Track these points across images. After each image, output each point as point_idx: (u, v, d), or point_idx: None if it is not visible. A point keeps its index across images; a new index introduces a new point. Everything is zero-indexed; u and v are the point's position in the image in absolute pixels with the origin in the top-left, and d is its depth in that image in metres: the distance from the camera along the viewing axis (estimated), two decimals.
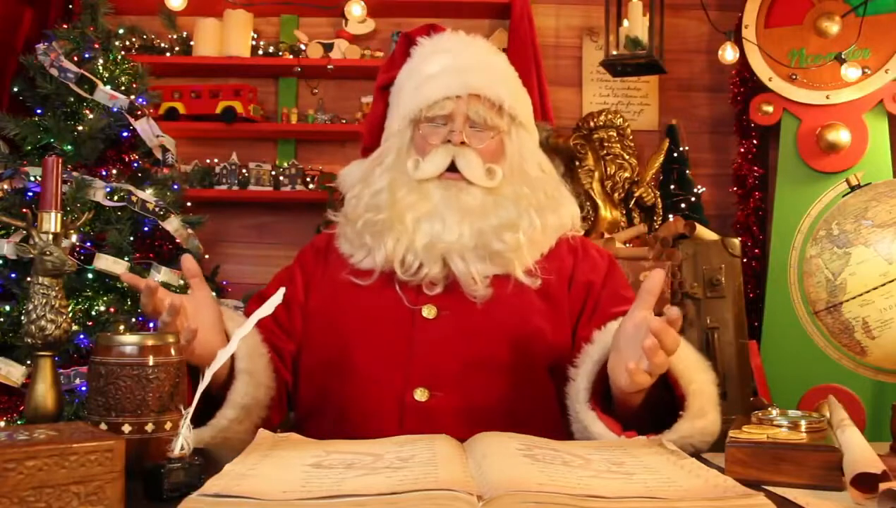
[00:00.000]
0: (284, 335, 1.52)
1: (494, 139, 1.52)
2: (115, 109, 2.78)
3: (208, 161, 3.63)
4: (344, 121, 3.65)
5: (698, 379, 1.27)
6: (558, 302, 1.50)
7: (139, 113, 2.82)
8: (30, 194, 2.61)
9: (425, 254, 1.44)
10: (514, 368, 1.43)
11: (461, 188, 1.48)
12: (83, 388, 2.43)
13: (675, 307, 1.16)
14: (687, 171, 3.56)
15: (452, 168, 1.49)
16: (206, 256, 3.23)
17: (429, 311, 1.46)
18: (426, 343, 1.44)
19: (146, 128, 2.83)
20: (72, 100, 2.76)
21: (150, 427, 1.03)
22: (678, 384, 1.25)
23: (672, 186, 3.56)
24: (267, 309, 1.12)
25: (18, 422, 2.41)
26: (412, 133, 1.54)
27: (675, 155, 3.58)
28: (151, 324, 2.68)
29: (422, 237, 1.45)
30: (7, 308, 2.50)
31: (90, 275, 2.58)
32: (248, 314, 1.51)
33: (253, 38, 3.64)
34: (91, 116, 2.75)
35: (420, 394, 1.41)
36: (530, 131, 1.60)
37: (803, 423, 1.08)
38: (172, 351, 1.07)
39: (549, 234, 1.53)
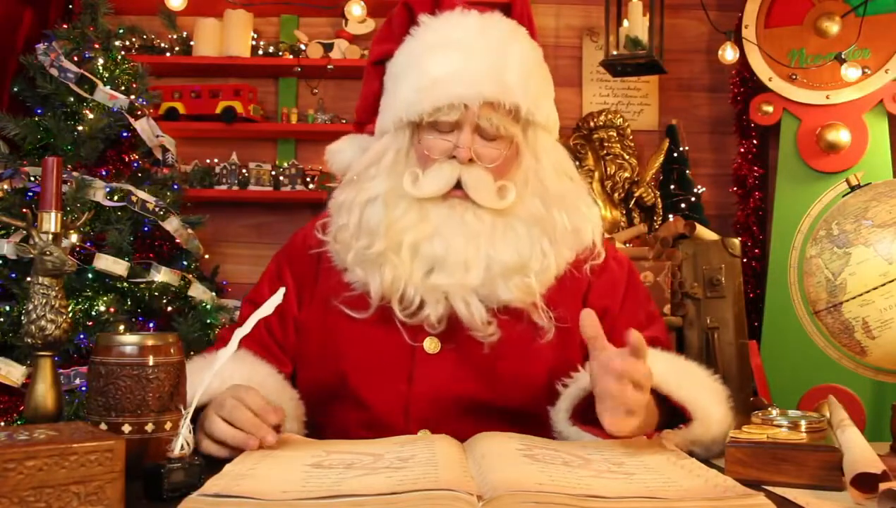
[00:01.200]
0: (284, 356, 1.41)
1: (509, 149, 1.34)
2: (115, 109, 2.78)
3: (208, 161, 3.63)
4: (344, 121, 3.65)
5: (699, 406, 1.20)
6: (571, 330, 1.34)
7: (139, 113, 2.82)
8: (30, 194, 2.61)
9: (427, 292, 1.29)
10: (521, 410, 1.32)
11: (467, 208, 1.31)
12: (83, 388, 2.43)
13: (635, 331, 1.08)
14: (687, 171, 3.57)
15: (458, 183, 1.31)
16: (206, 256, 3.23)
17: (430, 344, 1.33)
18: (427, 381, 1.32)
19: (146, 128, 2.83)
20: (72, 100, 2.76)
21: (150, 428, 1.03)
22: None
23: (672, 186, 3.56)
24: (267, 309, 1.12)
25: (18, 422, 2.41)
26: (411, 135, 1.36)
27: (675, 155, 3.58)
28: (151, 324, 2.69)
29: (420, 265, 1.30)
30: (7, 308, 2.50)
31: (90, 275, 2.58)
32: (243, 320, 1.46)
33: (253, 38, 3.64)
34: (91, 116, 2.75)
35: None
36: (550, 128, 1.42)
37: (803, 423, 1.08)
38: (172, 351, 1.07)
39: (563, 262, 1.37)
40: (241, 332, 1.10)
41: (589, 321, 1.14)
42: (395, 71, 1.41)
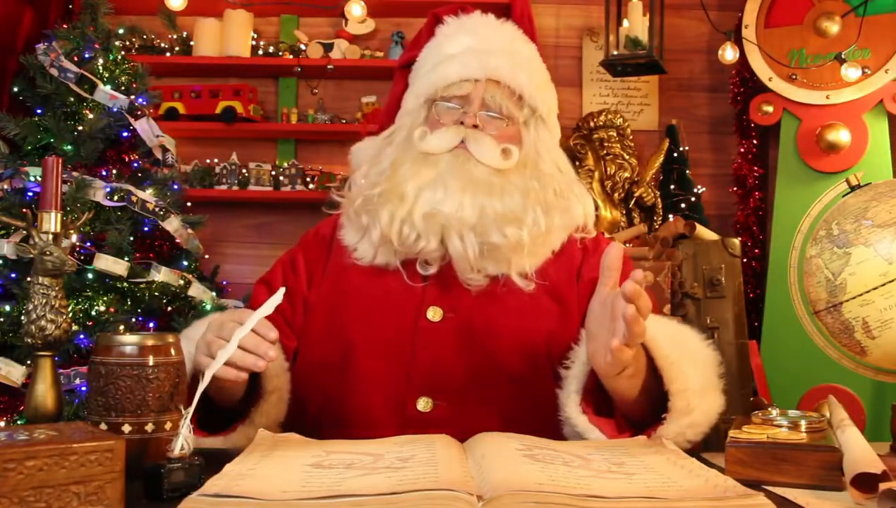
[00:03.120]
0: (290, 331, 1.46)
1: (510, 127, 1.45)
2: (115, 109, 2.78)
3: (208, 161, 3.63)
4: (344, 121, 3.65)
5: (681, 374, 1.20)
6: (567, 301, 1.43)
7: (139, 113, 2.82)
8: (30, 194, 2.61)
9: (423, 225, 1.36)
10: (521, 377, 1.37)
11: (469, 158, 1.40)
12: (83, 388, 2.43)
13: (638, 270, 1.09)
14: (687, 171, 3.57)
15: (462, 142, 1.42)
16: (206, 256, 3.23)
17: (433, 313, 1.39)
18: (430, 349, 1.37)
19: (146, 128, 2.83)
20: (72, 100, 2.76)
21: (150, 428, 1.03)
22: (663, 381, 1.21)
23: (672, 186, 3.56)
24: (267, 308, 1.12)
25: (18, 422, 2.41)
26: (427, 113, 1.48)
27: (675, 155, 3.58)
28: (151, 324, 2.69)
29: (421, 206, 1.37)
30: (7, 308, 2.50)
31: (90, 275, 2.58)
32: (255, 299, 1.49)
33: (253, 38, 3.64)
34: (91, 116, 2.75)
35: (422, 405, 1.35)
36: (551, 127, 1.52)
37: (803, 423, 1.08)
38: (172, 351, 1.07)
39: (557, 234, 1.46)
40: (240, 332, 1.10)
41: (614, 253, 1.18)
42: (419, 64, 1.55)
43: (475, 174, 1.39)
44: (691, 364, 1.24)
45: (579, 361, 1.28)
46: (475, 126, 1.42)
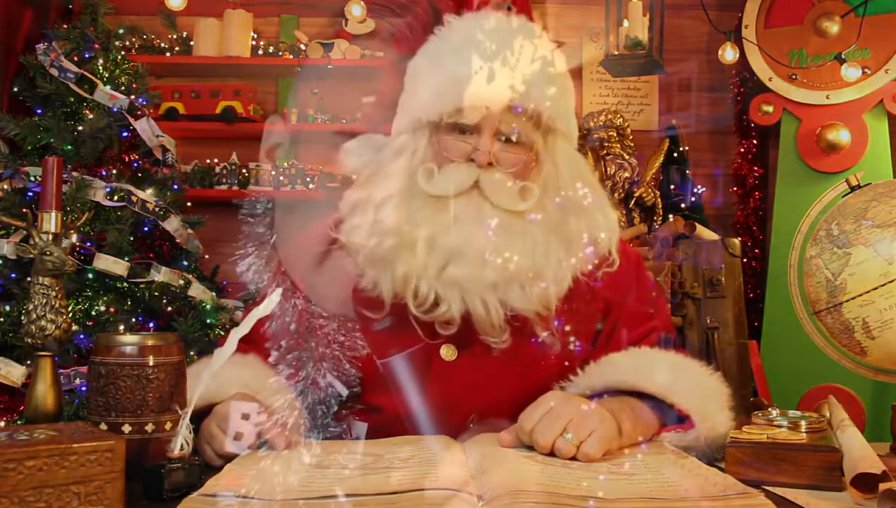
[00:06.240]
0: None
1: (528, 155, 1.31)
2: (115, 109, 2.78)
3: (208, 161, 3.63)
4: (344, 122, 3.65)
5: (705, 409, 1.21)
6: (586, 322, 1.36)
7: (139, 113, 2.82)
8: (30, 194, 2.61)
9: (442, 287, 1.25)
10: None
11: (483, 202, 1.28)
12: (83, 388, 2.43)
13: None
14: (687, 171, 3.57)
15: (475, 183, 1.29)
16: (206, 256, 3.23)
17: (447, 352, 1.31)
18: (443, 390, 1.29)
19: (146, 128, 2.83)
20: (72, 100, 2.76)
21: (150, 428, 1.03)
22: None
23: (672, 186, 3.56)
24: (266, 308, 1.11)
25: (18, 422, 2.41)
26: (430, 135, 1.33)
27: (675, 155, 3.58)
28: (151, 324, 2.68)
29: (437, 259, 1.25)
30: (7, 308, 2.50)
31: (90, 275, 2.58)
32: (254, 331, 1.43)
33: (253, 38, 3.64)
34: (91, 116, 2.76)
35: None
36: (569, 135, 1.38)
37: (803, 423, 1.08)
38: (172, 351, 1.07)
39: (577, 271, 1.34)
40: (239, 332, 1.09)
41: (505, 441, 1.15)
42: (416, 71, 1.38)
43: (491, 219, 1.27)
44: (711, 402, 1.24)
45: (575, 387, 1.27)
46: (490, 164, 1.28)
